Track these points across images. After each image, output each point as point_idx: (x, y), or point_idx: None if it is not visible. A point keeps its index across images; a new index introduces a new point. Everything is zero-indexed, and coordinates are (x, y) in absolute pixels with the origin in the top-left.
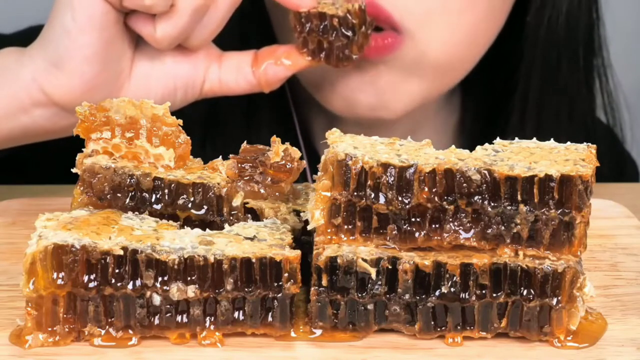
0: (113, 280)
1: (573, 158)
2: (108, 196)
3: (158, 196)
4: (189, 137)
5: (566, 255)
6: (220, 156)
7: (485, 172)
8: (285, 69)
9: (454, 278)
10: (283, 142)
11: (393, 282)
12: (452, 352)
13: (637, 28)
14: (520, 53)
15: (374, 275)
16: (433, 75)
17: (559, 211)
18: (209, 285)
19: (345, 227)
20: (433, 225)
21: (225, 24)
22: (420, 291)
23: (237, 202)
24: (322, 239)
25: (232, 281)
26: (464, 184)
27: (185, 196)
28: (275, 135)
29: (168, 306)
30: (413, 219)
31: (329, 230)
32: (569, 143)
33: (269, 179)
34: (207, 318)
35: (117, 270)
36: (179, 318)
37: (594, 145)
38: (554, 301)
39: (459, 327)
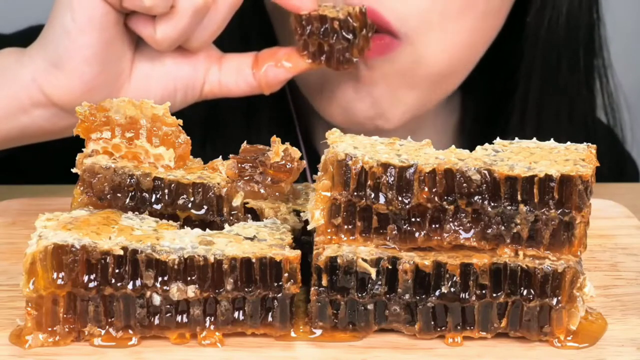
0: (113, 280)
1: (573, 158)
2: (108, 196)
3: (158, 196)
4: (189, 137)
5: (566, 255)
6: (220, 156)
7: (485, 172)
8: (286, 71)
9: (454, 278)
10: (283, 142)
11: (393, 282)
12: (452, 352)
13: (637, 28)
14: (520, 53)
15: (374, 275)
16: (430, 84)
17: (559, 211)
18: (209, 285)
19: (345, 227)
20: (433, 225)
21: (225, 26)
22: (420, 291)
23: (237, 202)
24: (322, 239)
25: (232, 281)
26: (464, 184)
27: (185, 196)
28: (275, 136)
29: (168, 306)
30: (413, 219)
31: (329, 230)
32: (569, 143)
33: (269, 179)
34: (207, 318)
35: (117, 270)
36: (179, 318)
37: (594, 145)
38: (554, 301)
39: (459, 327)
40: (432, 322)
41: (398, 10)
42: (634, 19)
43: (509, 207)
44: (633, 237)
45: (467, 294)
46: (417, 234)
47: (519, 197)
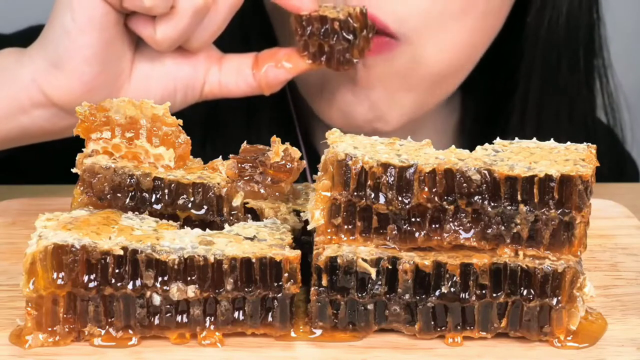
0: (113, 280)
1: (573, 158)
2: (108, 196)
3: (158, 196)
4: (189, 137)
5: (566, 255)
6: (220, 156)
7: (485, 172)
8: (286, 71)
9: (454, 278)
10: (283, 142)
11: (393, 282)
12: (452, 352)
13: (637, 28)
14: (520, 53)
15: (374, 275)
16: (428, 85)
17: (559, 211)
18: (209, 285)
19: (345, 227)
20: (433, 225)
21: (225, 27)
22: (420, 291)
23: (237, 202)
24: (322, 239)
25: (232, 281)
26: (464, 184)
27: (185, 196)
28: (275, 135)
29: (168, 306)
30: (413, 219)
31: (329, 230)
32: (569, 143)
33: (269, 179)
34: (207, 318)
35: (117, 270)
36: (179, 318)
37: (594, 145)
38: (554, 301)
39: (459, 327)
40: (432, 322)
41: (396, 12)
42: (634, 19)
43: (509, 207)
44: (633, 237)
45: (467, 294)
46: (417, 234)
47: (519, 197)
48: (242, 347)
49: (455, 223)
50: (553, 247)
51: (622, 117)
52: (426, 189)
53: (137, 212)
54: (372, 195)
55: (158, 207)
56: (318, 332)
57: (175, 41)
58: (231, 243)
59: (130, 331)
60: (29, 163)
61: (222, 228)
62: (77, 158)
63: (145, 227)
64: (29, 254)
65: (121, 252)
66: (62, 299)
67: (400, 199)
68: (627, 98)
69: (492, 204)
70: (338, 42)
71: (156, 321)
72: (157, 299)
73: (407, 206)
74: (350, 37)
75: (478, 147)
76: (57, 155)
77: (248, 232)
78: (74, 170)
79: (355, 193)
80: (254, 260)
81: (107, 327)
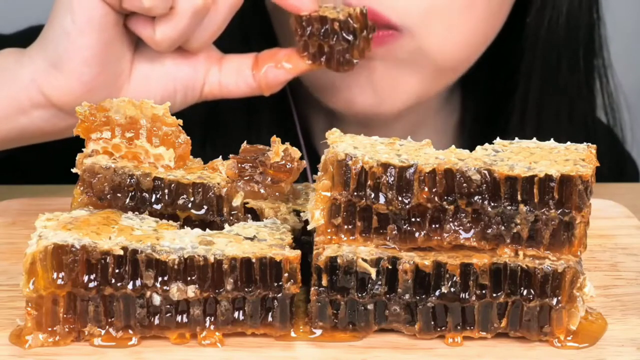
0: (113, 280)
1: (573, 158)
2: (108, 196)
3: (158, 196)
4: (189, 137)
5: (566, 255)
6: (220, 156)
7: (485, 172)
8: (286, 72)
9: (454, 278)
10: (283, 142)
11: (393, 282)
12: (452, 352)
13: (637, 28)
14: (520, 53)
15: (374, 275)
16: (430, 71)
17: (559, 211)
18: (209, 285)
19: (345, 227)
20: (433, 225)
21: (225, 27)
22: (420, 291)
23: (237, 202)
24: (322, 239)
25: (232, 281)
26: (464, 184)
27: (185, 196)
28: (275, 135)
29: (168, 306)
30: (413, 219)
31: (329, 230)
32: (569, 143)
33: (269, 179)
34: (207, 318)
35: (117, 270)
36: (179, 318)
37: (594, 145)
38: (554, 301)
39: (459, 327)
40: (432, 322)
41: (398, 8)
42: (634, 19)
43: (509, 207)
44: (633, 237)
45: (467, 294)
46: (417, 234)
47: (519, 197)
48: (242, 347)
49: (455, 223)
50: (553, 247)
51: (622, 117)
52: (426, 189)
53: (137, 212)
54: (372, 195)
55: (158, 207)
56: (318, 332)
57: (175, 42)
58: (231, 243)
59: (130, 331)
60: (29, 163)
61: (222, 228)
62: (77, 158)
63: (145, 227)
64: (29, 254)
65: (121, 252)
66: (62, 299)
67: (400, 199)
68: (627, 98)
69: (492, 204)
70: (338, 43)
71: (156, 321)
72: (157, 299)
73: (407, 206)
74: (350, 37)
75: (478, 147)
76: (57, 155)
77: (248, 232)
78: (74, 170)
79: (355, 193)
80: (254, 260)
81: (107, 327)
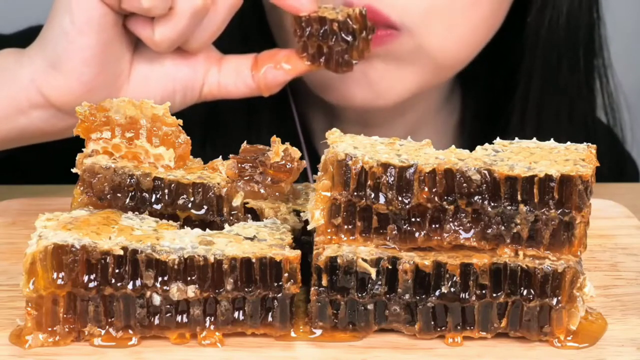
0: (113, 280)
1: (573, 158)
2: (108, 196)
3: (158, 196)
4: (189, 137)
5: (566, 255)
6: (220, 156)
7: (485, 172)
8: (285, 73)
9: (454, 278)
10: (283, 142)
11: (393, 282)
12: (452, 352)
13: (637, 28)
14: (520, 53)
15: (374, 275)
16: (429, 68)
17: (559, 211)
18: (209, 285)
19: (345, 227)
20: (433, 225)
21: (225, 28)
22: (420, 291)
23: (237, 202)
24: (322, 239)
25: (232, 281)
26: (464, 184)
27: (185, 196)
28: (275, 135)
29: (168, 306)
30: (413, 219)
31: (329, 230)
32: (569, 143)
33: (269, 179)
34: (207, 318)
35: (117, 270)
36: (179, 318)
37: (594, 145)
38: (554, 301)
39: (459, 327)
40: (432, 322)
41: (398, 7)
42: (634, 19)
43: (509, 207)
44: (633, 237)
45: (467, 294)
46: (417, 234)
47: (519, 197)
48: (242, 347)
49: (455, 223)
50: (553, 247)
51: (622, 117)
52: (426, 189)
53: (137, 212)
54: (372, 195)
55: (158, 207)
56: (318, 332)
57: (174, 42)
58: (231, 243)
59: (130, 331)
60: (29, 163)
61: (222, 228)
62: (77, 158)
63: (145, 227)
64: (29, 254)
65: (121, 252)
66: (62, 299)
67: (400, 199)
68: (627, 98)
69: (492, 204)
70: (337, 44)
71: (156, 321)
72: (157, 299)
73: (407, 206)
74: (349, 38)
75: (478, 147)
76: (57, 155)
77: (248, 232)
78: (74, 170)
79: (355, 193)
80: (254, 260)
81: (107, 327)
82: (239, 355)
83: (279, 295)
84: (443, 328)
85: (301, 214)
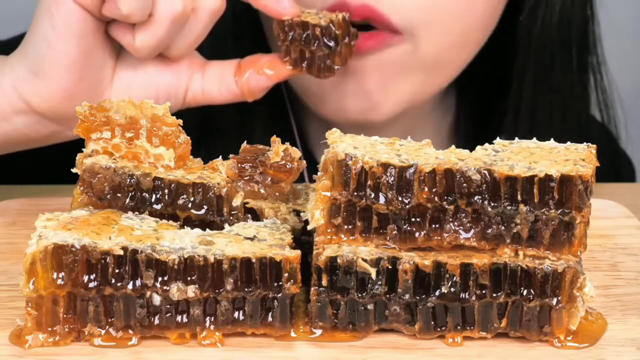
0: (113, 280)
1: (573, 158)
2: (108, 196)
3: (158, 196)
4: (189, 137)
5: (566, 255)
6: (220, 156)
7: (485, 172)
8: (268, 78)
9: (454, 278)
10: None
11: (393, 282)
12: (452, 352)
13: (631, 26)
14: (513, 53)
15: (374, 275)
16: (421, 75)
17: (559, 211)
18: (209, 285)
19: (345, 227)
20: (433, 225)
21: (207, 34)
22: (420, 291)
23: (237, 202)
24: (322, 239)
25: (232, 281)
26: (464, 184)
27: (185, 196)
28: (275, 135)
29: (168, 306)
30: (413, 219)
31: (329, 230)
32: (569, 143)
33: (269, 179)
34: (207, 318)
35: (117, 270)
36: (179, 318)
37: (594, 145)
38: (554, 301)
39: (459, 327)
40: (432, 322)
41: (398, 7)
42: (628, 17)
43: (509, 207)
44: (633, 237)
45: (467, 294)
46: (417, 234)
47: (519, 197)
48: (242, 347)
49: (455, 223)
50: (553, 247)
51: (616, 114)
52: (426, 189)
53: (137, 212)
54: (372, 195)
55: (158, 207)
56: (318, 332)
57: (155, 49)
58: (231, 243)
59: (130, 331)
60: (29, 163)
61: (222, 228)
62: (77, 158)
63: (145, 227)
64: (29, 254)
65: (121, 252)
66: (62, 299)
67: (400, 199)
68: (621, 95)
69: (492, 204)
70: (319, 49)
71: (156, 321)
72: (157, 299)
73: (407, 206)
74: (332, 43)
75: (478, 147)
76: (57, 155)
77: (248, 232)
78: (74, 170)
79: (355, 193)
80: (254, 260)
81: (107, 327)
82: (239, 355)
83: (279, 295)
84: (443, 328)
85: (301, 214)
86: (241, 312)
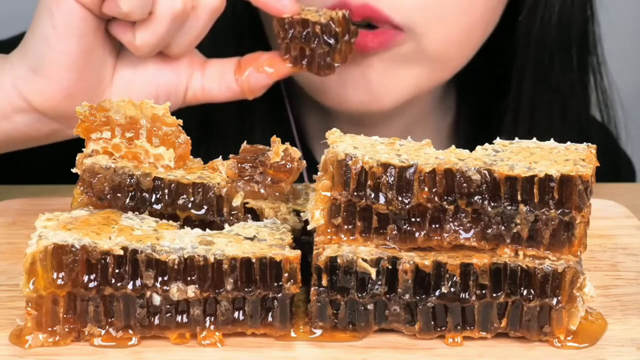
0: (113, 280)
1: (573, 158)
2: (108, 196)
3: (158, 196)
4: (189, 137)
5: (566, 255)
6: (220, 156)
7: (485, 172)
8: (268, 76)
9: (454, 278)
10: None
11: (393, 282)
12: (452, 352)
13: (631, 26)
14: (513, 53)
15: (374, 275)
16: (424, 68)
17: (559, 211)
18: (209, 285)
19: (345, 227)
20: (433, 225)
21: (207, 32)
22: (420, 291)
23: (237, 202)
24: (322, 239)
25: (232, 281)
26: (464, 184)
27: (185, 196)
28: (275, 135)
29: (168, 306)
30: (413, 219)
31: (329, 230)
32: (569, 143)
33: (269, 179)
34: (207, 318)
35: (117, 270)
36: (179, 318)
37: (594, 145)
38: (554, 301)
39: (459, 327)
40: (432, 322)
41: (399, 7)
42: (628, 17)
43: (509, 207)
44: (633, 237)
45: (467, 294)
46: (417, 234)
47: (519, 197)
48: (242, 347)
49: (455, 223)
50: (553, 247)
51: (616, 115)
52: (426, 189)
53: (137, 212)
54: (372, 195)
55: (158, 207)
56: (318, 332)
57: (155, 47)
58: (231, 243)
59: (130, 331)
60: (29, 163)
61: (222, 228)
62: (77, 158)
63: (145, 227)
64: (29, 254)
65: (121, 252)
66: (62, 299)
67: (400, 199)
68: (620, 95)
69: (492, 204)
70: (319, 46)
71: (156, 321)
72: (157, 299)
73: (407, 206)
74: (332, 41)
75: (478, 147)
76: (57, 155)
77: (248, 232)
78: (74, 170)
79: (355, 193)
80: (254, 260)
81: (107, 327)
82: (239, 355)
83: (279, 295)
84: (443, 328)
85: (301, 214)
86: (241, 312)
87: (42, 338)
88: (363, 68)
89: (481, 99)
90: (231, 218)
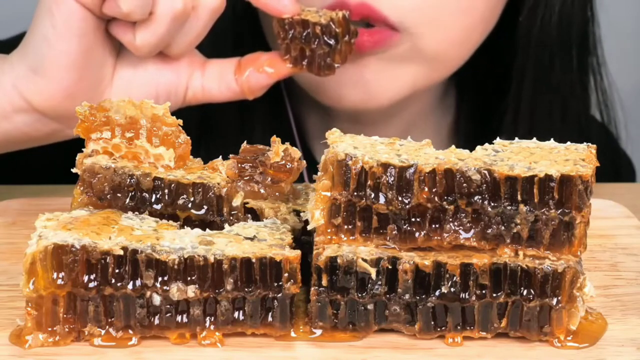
0: (113, 280)
1: (573, 158)
2: (108, 196)
3: (158, 196)
4: (189, 137)
5: (566, 255)
6: (220, 156)
7: (485, 172)
8: (268, 76)
9: (454, 278)
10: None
11: (393, 282)
12: (452, 352)
13: (631, 27)
14: (513, 53)
15: (374, 275)
16: (421, 67)
17: (559, 211)
18: (209, 285)
19: (345, 227)
20: (433, 225)
21: (207, 32)
22: (420, 291)
23: (237, 202)
24: (322, 239)
25: (232, 281)
26: (464, 184)
27: (185, 196)
28: (275, 135)
29: (168, 306)
30: (413, 219)
31: (329, 230)
32: (569, 143)
33: (269, 179)
34: (207, 318)
35: (117, 270)
36: (179, 318)
37: (594, 145)
38: (554, 301)
39: (459, 327)
40: (432, 322)
41: (397, 7)
42: (628, 18)
43: (509, 207)
44: (633, 237)
45: (467, 294)
46: (417, 234)
47: (519, 197)
48: (242, 347)
49: (455, 223)
50: (553, 247)
51: (616, 115)
52: (426, 189)
53: (137, 212)
54: (372, 195)
55: (158, 207)
56: (318, 332)
57: (155, 47)
58: (231, 243)
59: (130, 331)
60: (29, 163)
61: (222, 228)
62: (77, 158)
63: (145, 227)
64: (29, 254)
65: (121, 252)
66: (62, 299)
67: (400, 199)
68: (620, 95)
69: (492, 204)
70: (319, 47)
71: (156, 321)
72: (157, 299)
73: (407, 206)
74: (332, 41)
75: (478, 147)
76: (57, 155)
77: (248, 232)
78: (74, 170)
79: (355, 193)
80: (254, 260)
81: (107, 327)
82: (239, 355)
83: (279, 295)
84: (443, 328)
85: (301, 214)
86: (241, 312)
87: (42, 338)
88: (360, 67)
89: (481, 98)
90: (231, 218)
